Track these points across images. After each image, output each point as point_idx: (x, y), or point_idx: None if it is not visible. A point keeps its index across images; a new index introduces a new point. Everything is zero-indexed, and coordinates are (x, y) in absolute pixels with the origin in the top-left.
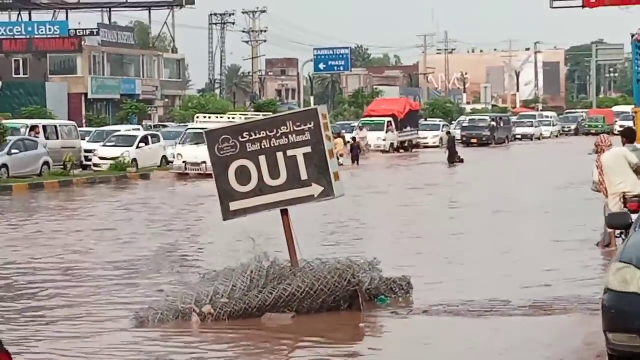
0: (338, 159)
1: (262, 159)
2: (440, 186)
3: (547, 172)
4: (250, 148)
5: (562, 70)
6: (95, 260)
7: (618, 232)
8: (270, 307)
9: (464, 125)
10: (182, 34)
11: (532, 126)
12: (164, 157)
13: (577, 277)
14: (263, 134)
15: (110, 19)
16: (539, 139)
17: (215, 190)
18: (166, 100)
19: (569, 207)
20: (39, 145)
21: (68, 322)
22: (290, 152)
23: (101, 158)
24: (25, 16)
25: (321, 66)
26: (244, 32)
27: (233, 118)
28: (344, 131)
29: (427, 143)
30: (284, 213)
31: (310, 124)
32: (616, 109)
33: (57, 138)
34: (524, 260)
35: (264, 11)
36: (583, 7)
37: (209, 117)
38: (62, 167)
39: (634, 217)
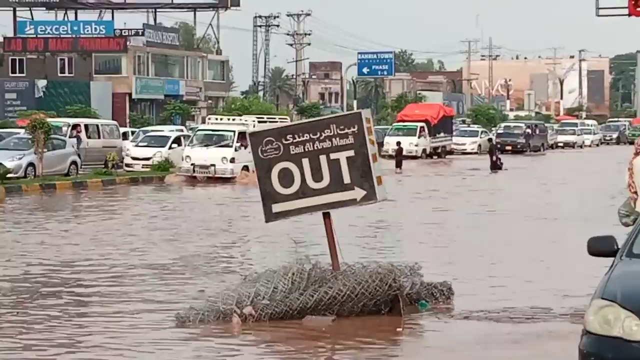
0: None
1: (305, 161)
2: (479, 192)
3: (587, 181)
4: (293, 150)
5: (606, 79)
6: (145, 259)
7: None
8: (311, 310)
9: (499, 132)
10: (227, 36)
11: (574, 134)
12: None
13: None
14: (306, 136)
15: (155, 20)
16: (581, 147)
17: (258, 194)
18: (209, 101)
19: (612, 217)
20: (67, 144)
21: (114, 319)
22: (333, 155)
23: (133, 158)
24: (71, 15)
25: (365, 70)
26: (288, 34)
27: (245, 121)
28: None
29: (465, 149)
30: (326, 216)
31: (354, 128)
32: None
33: (99, 137)
34: (564, 268)
35: (309, 14)
36: (629, 15)
37: (221, 119)
38: (103, 166)
39: (620, 241)
